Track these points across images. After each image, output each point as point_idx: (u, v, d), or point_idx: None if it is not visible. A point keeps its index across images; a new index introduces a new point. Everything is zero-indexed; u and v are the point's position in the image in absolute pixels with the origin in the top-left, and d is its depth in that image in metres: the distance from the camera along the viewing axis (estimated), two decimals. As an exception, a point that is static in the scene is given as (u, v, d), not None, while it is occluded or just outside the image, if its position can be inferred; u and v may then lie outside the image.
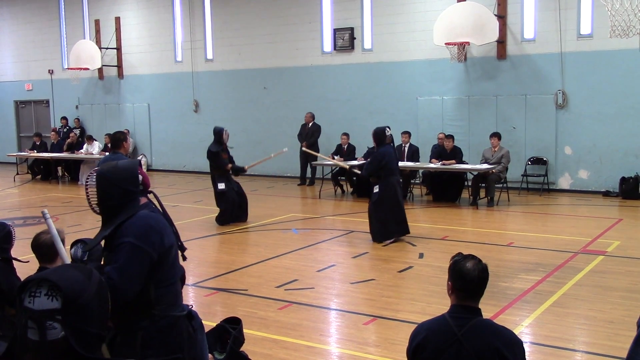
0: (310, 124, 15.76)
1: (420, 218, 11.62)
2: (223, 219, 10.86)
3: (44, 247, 4.00)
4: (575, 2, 13.38)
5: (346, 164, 12.03)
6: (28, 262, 4.43)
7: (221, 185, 10.78)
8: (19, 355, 2.05)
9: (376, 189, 9.29)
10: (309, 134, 15.59)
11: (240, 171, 11.12)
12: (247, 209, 11.14)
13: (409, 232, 9.45)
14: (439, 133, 13.80)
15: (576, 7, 13.39)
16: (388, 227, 9.22)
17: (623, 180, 13.00)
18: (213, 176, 11.00)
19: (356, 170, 10.35)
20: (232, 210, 10.88)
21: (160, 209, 3.47)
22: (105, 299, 2.11)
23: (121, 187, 3.29)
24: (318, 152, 15.03)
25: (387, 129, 9.37)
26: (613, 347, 5.28)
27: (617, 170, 13.19)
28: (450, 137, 13.23)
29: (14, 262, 4.40)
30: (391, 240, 9.23)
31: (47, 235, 4.01)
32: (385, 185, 9.19)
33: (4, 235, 4.30)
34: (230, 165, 10.91)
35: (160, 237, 3.24)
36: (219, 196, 10.87)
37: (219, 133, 10.91)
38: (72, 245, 4.21)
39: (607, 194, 13.24)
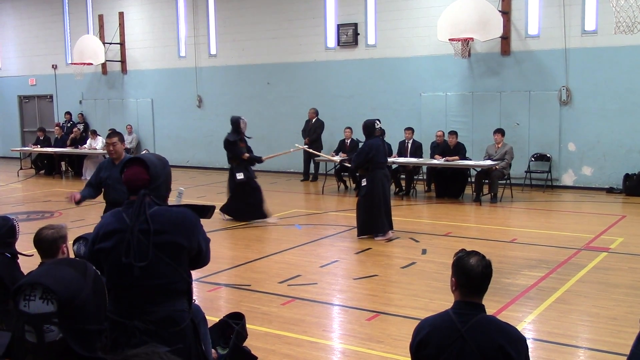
0: (313, 120, 15.74)
1: (424, 214, 11.61)
2: (228, 209, 10.74)
3: (45, 243, 4.00)
4: (579, -2, 13.34)
5: (336, 158, 12.04)
6: (32, 256, 4.44)
7: (240, 175, 10.56)
8: (18, 358, 2.03)
9: (364, 182, 9.32)
10: (312, 130, 15.59)
11: (256, 161, 10.90)
12: (261, 206, 10.71)
13: (392, 228, 9.49)
14: (438, 131, 13.68)
15: (581, 3, 13.33)
16: (378, 220, 9.18)
17: (627, 176, 12.97)
18: (231, 167, 10.82)
19: (347, 164, 10.37)
20: (241, 207, 10.69)
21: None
22: (102, 292, 2.07)
23: None
24: (321, 148, 15.06)
25: (377, 122, 9.38)
26: (616, 343, 5.27)
27: (621, 167, 13.15)
28: (454, 133, 13.21)
29: (18, 256, 4.41)
30: (386, 237, 9.17)
31: (50, 231, 4.01)
32: (373, 178, 9.19)
33: (7, 230, 4.31)
34: (247, 155, 10.68)
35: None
36: (236, 187, 10.65)
37: (236, 122, 10.71)
38: (74, 242, 4.22)
39: (610, 190, 13.21)
